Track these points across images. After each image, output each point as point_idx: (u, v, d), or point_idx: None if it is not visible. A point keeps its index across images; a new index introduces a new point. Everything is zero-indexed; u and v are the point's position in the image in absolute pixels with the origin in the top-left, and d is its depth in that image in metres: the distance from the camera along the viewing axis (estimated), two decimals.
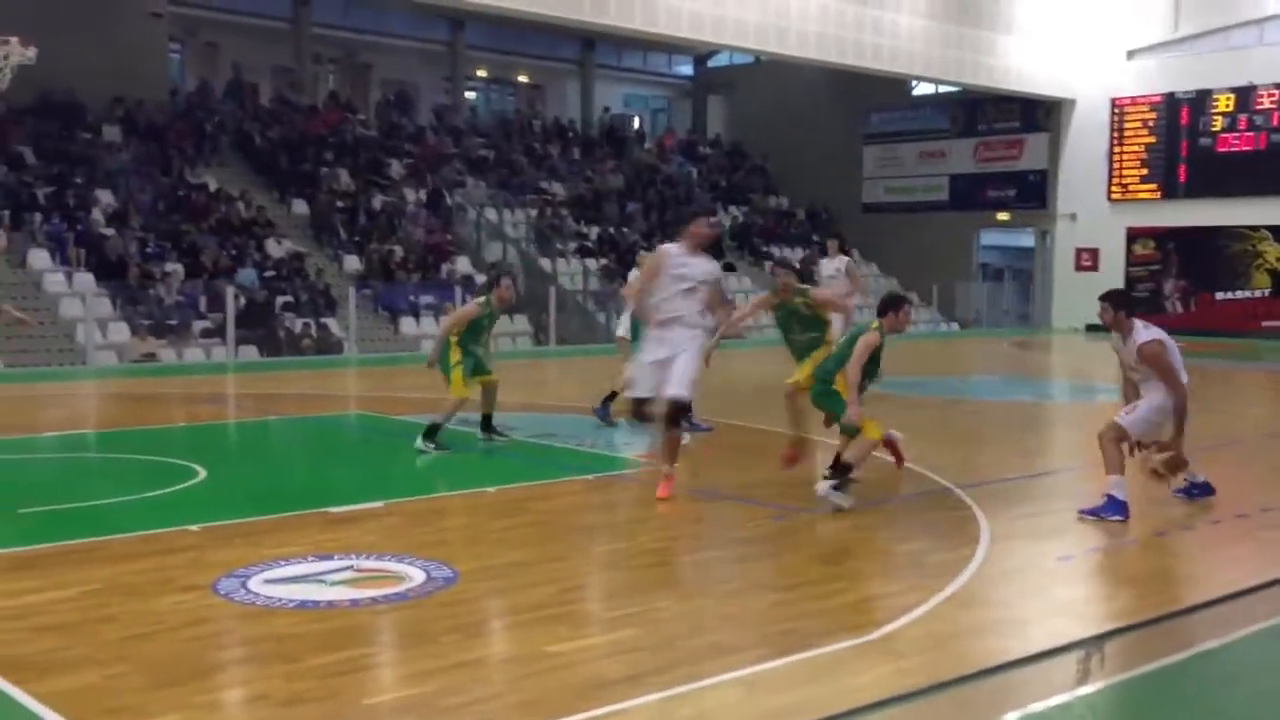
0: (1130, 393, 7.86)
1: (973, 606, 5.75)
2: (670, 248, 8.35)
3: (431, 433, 9.98)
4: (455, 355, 10.05)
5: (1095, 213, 31.09)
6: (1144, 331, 7.49)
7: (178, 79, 29.94)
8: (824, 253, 14.35)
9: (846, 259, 13.45)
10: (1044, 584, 6.31)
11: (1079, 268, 31.64)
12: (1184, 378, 7.61)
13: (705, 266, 8.23)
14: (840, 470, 7.89)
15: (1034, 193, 32.36)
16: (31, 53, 9.89)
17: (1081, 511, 7.58)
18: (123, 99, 25.64)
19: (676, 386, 7.92)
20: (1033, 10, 28.85)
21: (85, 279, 20.27)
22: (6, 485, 9.01)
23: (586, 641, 5.14)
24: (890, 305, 8.22)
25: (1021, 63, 28.92)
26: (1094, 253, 31.33)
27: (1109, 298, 7.55)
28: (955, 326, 32.65)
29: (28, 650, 4.88)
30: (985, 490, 8.55)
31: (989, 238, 34.57)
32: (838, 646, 5.06)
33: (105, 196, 23.01)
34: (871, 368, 8.16)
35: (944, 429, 12.54)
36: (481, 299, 10.46)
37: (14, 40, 9.63)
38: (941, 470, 9.24)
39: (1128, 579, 6.53)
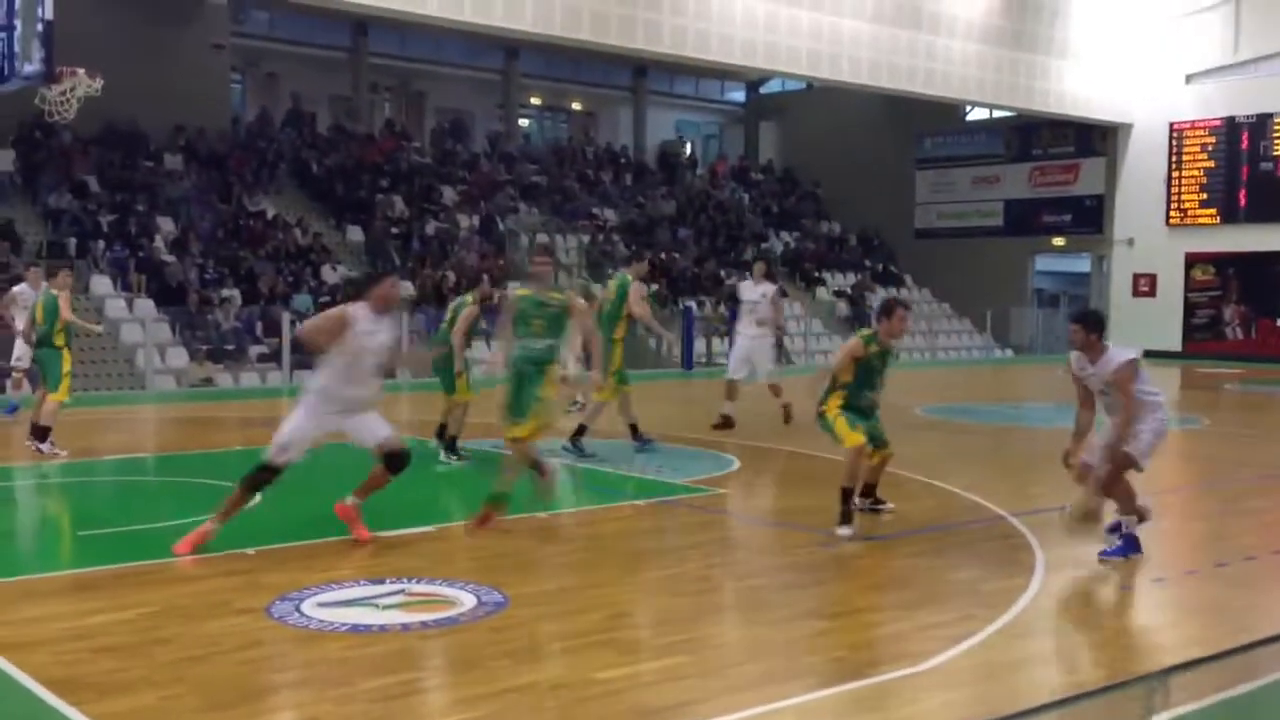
0: (1085, 418, 7.63)
1: (1027, 637, 5.68)
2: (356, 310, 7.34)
3: (452, 446, 10.63)
4: (459, 363, 10.75)
5: (1153, 238, 30.68)
6: (1119, 353, 7.33)
7: (238, 108, 30.54)
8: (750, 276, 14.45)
9: (774, 286, 13.52)
10: (1101, 615, 6.22)
11: (1136, 293, 31.21)
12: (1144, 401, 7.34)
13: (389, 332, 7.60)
14: (844, 497, 7.72)
15: (1090, 218, 32.01)
16: (98, 84, 10.14)
17: (1102, 555, 7.22)
18: (184, 128, 26.17)
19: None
20: (1088, 34, 28.61)
21: (146, 305, 20.66)
22: (68, 508, 9.20)
23: (636, 668, 5.13)
24: (883, 312, 8.10)
25: (1077, 87, 28.66)
26: (1152, 278, 30.89)
27: (1083, 319, 7.42)
28: (1009, 353, 32.31)
29: (87, 671, 4.97)
30: (1039, 518, 8.43)
31: (1044, 263, 34.22)
32: (888, 676, 5.01)
33: (166, 224, 23.47)
34: (871, 378, 7.94)
35: (997, 456, 12.40)
36: (469, 298, 11.02)
37: (81, 72, 9.88)
38: (994, 498, 9.13)
39: (1189, 610, 6.41)
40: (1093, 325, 7.36)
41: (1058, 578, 6.77)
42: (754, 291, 13.18)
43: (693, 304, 26.63)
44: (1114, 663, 5.31)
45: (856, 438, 7.71)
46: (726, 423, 13.14)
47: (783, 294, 15.13)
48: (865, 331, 8.11)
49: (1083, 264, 33.44)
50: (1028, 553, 7.34)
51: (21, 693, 4.70)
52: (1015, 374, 26.15)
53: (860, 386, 7.90)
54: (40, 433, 10.83)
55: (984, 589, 6.48)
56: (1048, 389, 22.22)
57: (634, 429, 11.56)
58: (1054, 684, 5.07)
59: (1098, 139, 31.50)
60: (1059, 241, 32.75)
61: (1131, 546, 7.22)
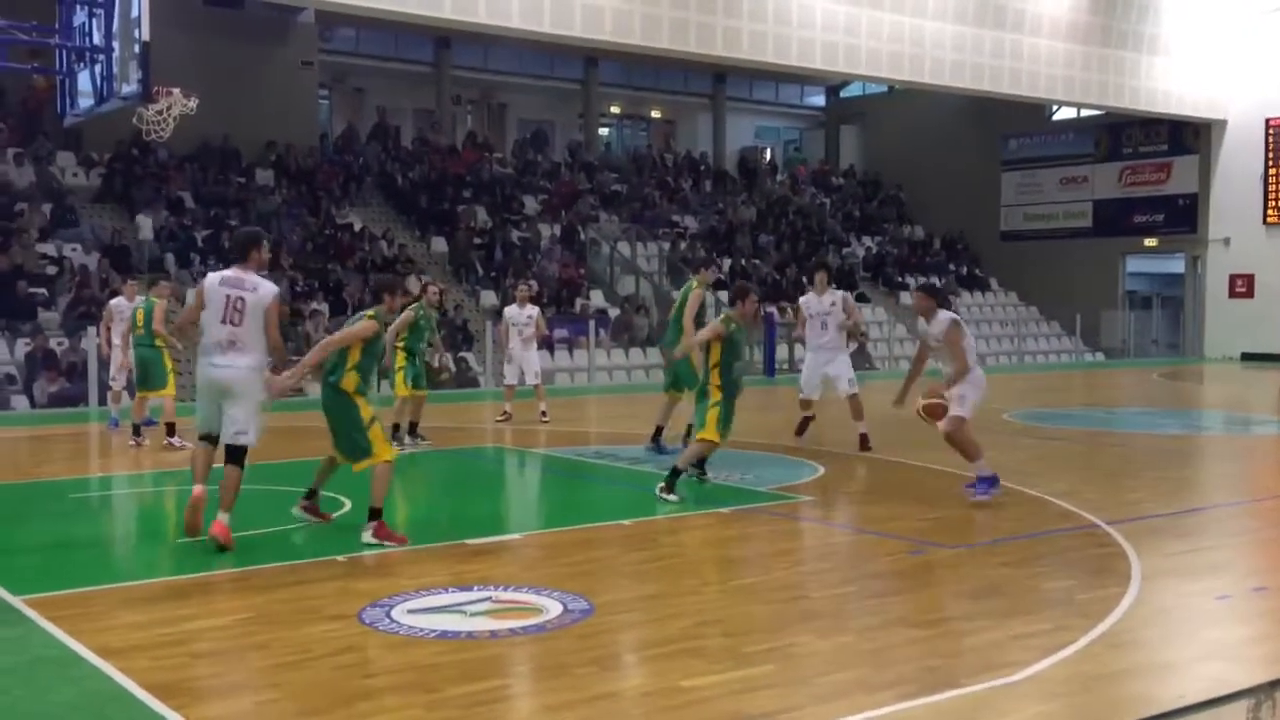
0: (918, 367, 9.70)
1: (1124, 648, 5.54)
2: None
3: (394, 431, 11.70)
4: (400, 360, 11.98)
5: (1250, 237, 29.82)
6: (945, 314, 9.12)
7: (326, 124, 31.16)
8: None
9: (841, 292, 12.89)
10: (1200, 625, 6.04)
11: (1233, 294, 30.37)
12: (971, 357, 9.04)
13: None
14: (675, 473, 9.10)
15: (1183, 217, 31.22)
16: (193, 103, 10.42)
17: (970, 492, 8.84)
18: (275, 144, 26.78)
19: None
20: (1179, 29, 27.94)
21: None
22: (164, 517, 9.44)
23: (722, 676, 5.11)
24: (737, 296, 9.55)
25: (1168, 84, 28.00)
26: (1249, 279, 30.02)
27: (925, 289, 9.43)
28: (1100, 356, 31.61)
29: (186, 676, 5.09)
30: (1135, 526, 8.24)
31: (1135, 264, 33.44)
32: (982, 686, 4.92)
33: None
34: (737, 350, 9.30)
35: (1090, 463, 12.14)
36: (414, 304, 12.14)
37: (176, 91, 10.17)
38: (1088, 505, 8.95)
39: None
40: (932, 293, 9.34)
41: (1155, 587, 6.60)
42: (822, 303, 12.53)
43: (774, 310, 26.49)
44: (1217, 674, 5.15)
45: (713, 436, 9.14)
46: (805, 426, 12.94)
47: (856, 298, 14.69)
48: (726, 313, 9.50)
49: (1176, 265, 32.61)
50: (1123, 561, 7.16)
51: (124, 697, 4.83)
52: (1107, 378, 25.58)
53: (730, 358, 9.21)
54: (169, 428, 12.21)
55: (1079, 598, 6.34)
56: (1141, 393, 21.71)
57: (659, 430, 12.10)
58: (1154, 697, 4.94)
59: (1190, 136, 30.72)
60: (1151, 242, 31.99)
61: (990, 483, 8.87)
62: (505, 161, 31.44)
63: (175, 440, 12.11)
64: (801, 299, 12.94)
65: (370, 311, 7.99)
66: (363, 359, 7.78)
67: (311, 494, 8.26)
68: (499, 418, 14.97)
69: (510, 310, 15.44)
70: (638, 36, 19.95)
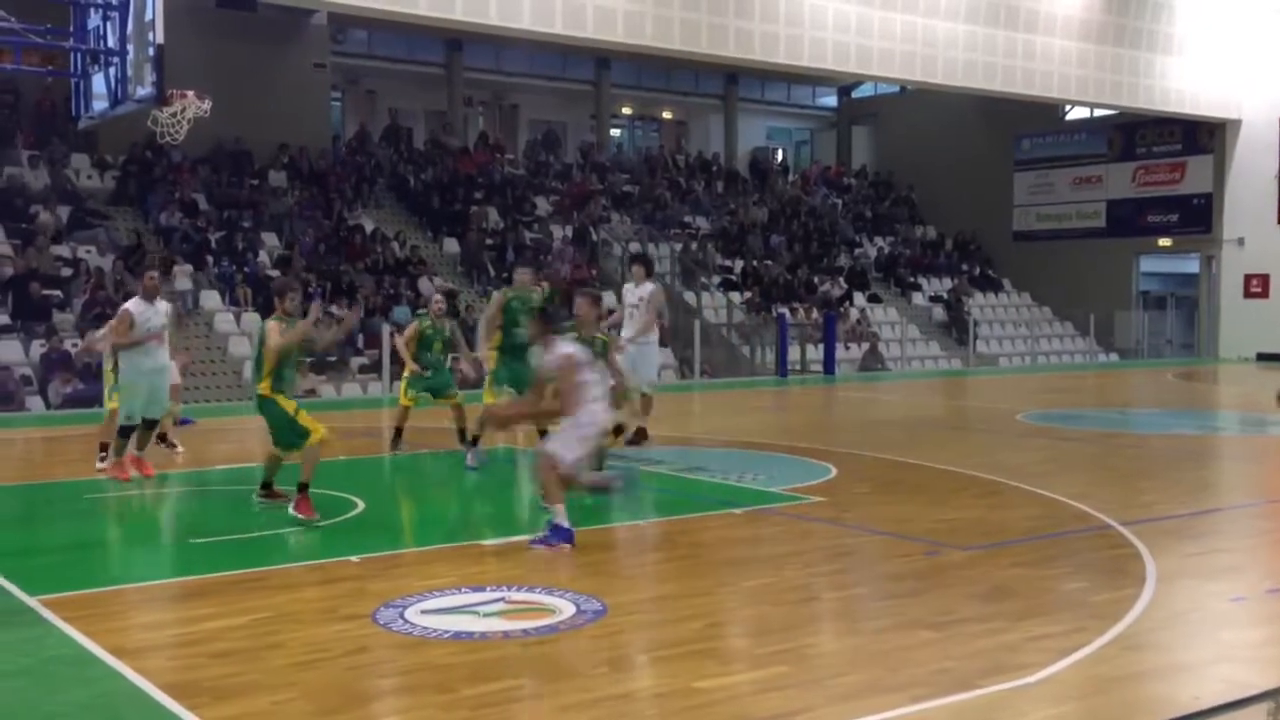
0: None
1: (1140, 650, 5.52)
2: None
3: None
4: (409, 369, 11.99)
5: (1265, 237, 29.68)
6: (561, 347, 7.80)
7: (338, 125, 31.24)
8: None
9: (654, 286, 12.53)
10: (1216, 627, 6.02)
11: (1248, 294, 30.22)
12: (582, 394, 7.68)
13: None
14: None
15: (1198, 217, 31.10)
16: (206, 105, 10.45)
17: (531, 543, 7.55)
18: (287, 146, 26.85)
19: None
20: (1194, 30, 27.82)
21: (252, 318, 21.19)
22: (180, 517, 9.47)
23: (735, 678, 5.11)
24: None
25: (1183, 83, 27.88)
26: (1264, 279, 29.88)
27: (538, 314, 8.62)
28: (1114, 357, 31.50)
29: (203, 675, 5.11)
30: (1150, 527, 8.21)
31: (1149, 264, 33.31)
32: (997, 688, 4.91)
33: (271, 239, 24.09)
34: (517, 318, 9.72)
35: (1104, 464, 12.10)
36: (419, 316, 12.33)
37: (190, 94, 10.20)
38: (1102, 506, 8.92)
39: None
40: (545, 319, 8.25)
41: (1170, 588, 6.58)
42: (634, 294, 12.23)
43: (785, 311, 26.47)
44: (1233, 677, 5.13)
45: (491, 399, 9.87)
46: (641, 435, 12.18)
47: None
48: (507, 291, 10.07)
49: (1191, 265, 32.48)
50: (1138, 562, 7.14)
51: (140, 697, 4.85)
52: (1121, 379, 25.49)
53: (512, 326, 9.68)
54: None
55: (1094, 600, 6.33)
56: (1155, 394, 21.63)
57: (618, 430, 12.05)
58: (1170, 699, 4.92)
59: (1204, 136, 30.59)
60: (1165, 242, 31.87)
61: (562, 536, 7.47)
62: (517, 162, 31.47)
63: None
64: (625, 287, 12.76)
65: (271, 318, 8.70)
66: (277, 364, 8.46)
67: (266, 485, 8.92)
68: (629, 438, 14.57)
69: (626, 289, 14.94)
70: (649, 38, 19.96)
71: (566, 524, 7.50)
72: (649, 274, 12.62)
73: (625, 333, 12.08)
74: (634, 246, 28.31)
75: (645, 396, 12.25)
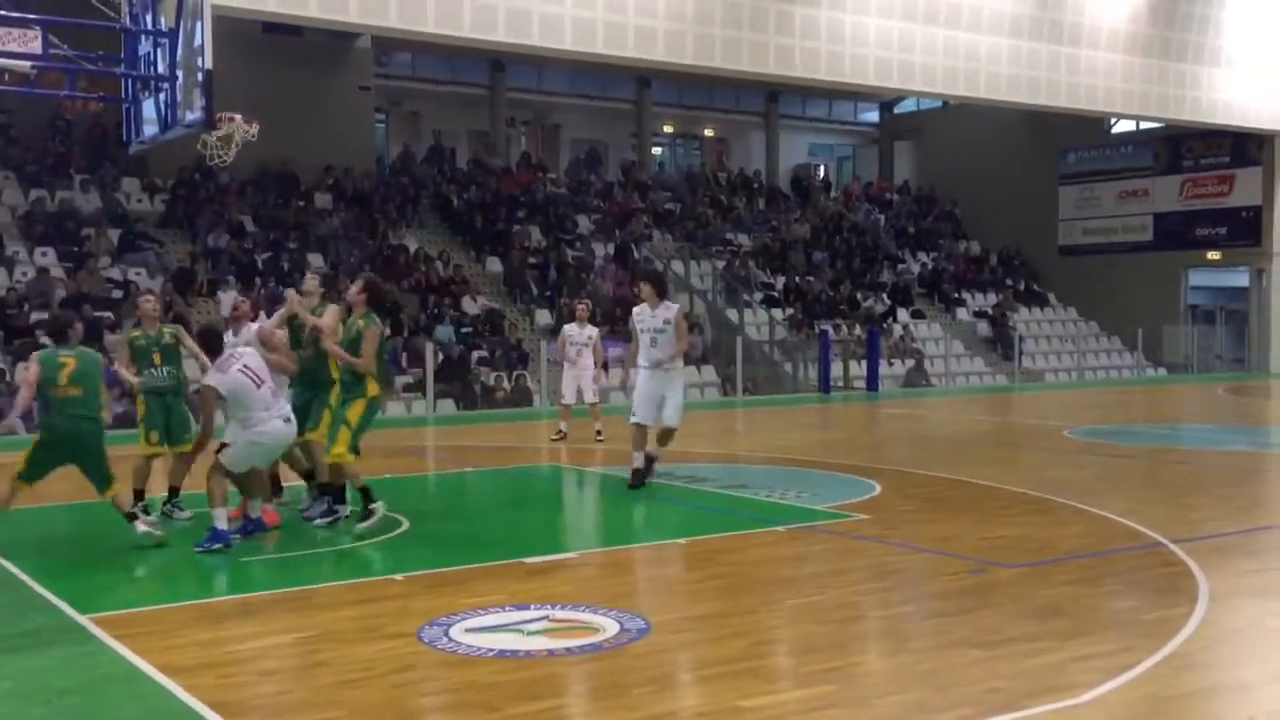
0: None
1: (1193, 670, 5.43)
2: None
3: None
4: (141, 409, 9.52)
5: None
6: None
7: (382, 147, 31.58)
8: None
9: (676, 305, 11.09)
10: (1271, 646, 5.92)
11: None
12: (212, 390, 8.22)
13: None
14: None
15: (1247, 230, 30.66)
16: (254, 129, 10.59)
17: (195, 548, 8.01)
18: (333, 167, 27.17)
19: None
20: (1241, 40, 27.48)
21: None
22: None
23: (780, 697, 5.08)
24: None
25: (1230, 95, 27.53)
26: None
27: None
28: (1162, 372, 31.08)
29: (252, 694, 5.16)
30: (1201, 545, 8.08)
31: (1198, 278, 32.86)
32: (1047, 708, 4.85)
33: (316, 260, 24.35)
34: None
35: (1154, 480, 11.93)
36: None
37: (238, 118, 10.35)
38: (1152, 523, 8.79)
39: None
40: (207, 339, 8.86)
41: (1223, 607, 6.47)
42: (655, 318, 10.74)
43: (829, 327, 26.37)
44: None
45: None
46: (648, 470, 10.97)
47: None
48: (373, 321, 8.83)
49: (1240, 278, 32.01)
50: (1190, 580, 7.03)
51: (190, 715, 4.90)
52: (1169, 394, 25.14)
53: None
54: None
55: (1144, 618, 6.24)
56: (1205, 409, 21.31)
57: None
58: (1224, 719, 4.84)
59: (1254, 148, 30.19)
60: (1214, 255, 31.44)
61: (219, 538, 8.04)
62: (559, 181, 31.63)
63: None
64: (635, 310, 11.11)
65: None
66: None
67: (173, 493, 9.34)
68: (554, 436, 14.99)
69: (570, 329, 15.40)
70: (690, 56, 20.01)
71: (223, 526, 8.11)
72: (663, 293, 10.95)
73: (644, 360, 10.69)
74: (676, 265, 28.35)
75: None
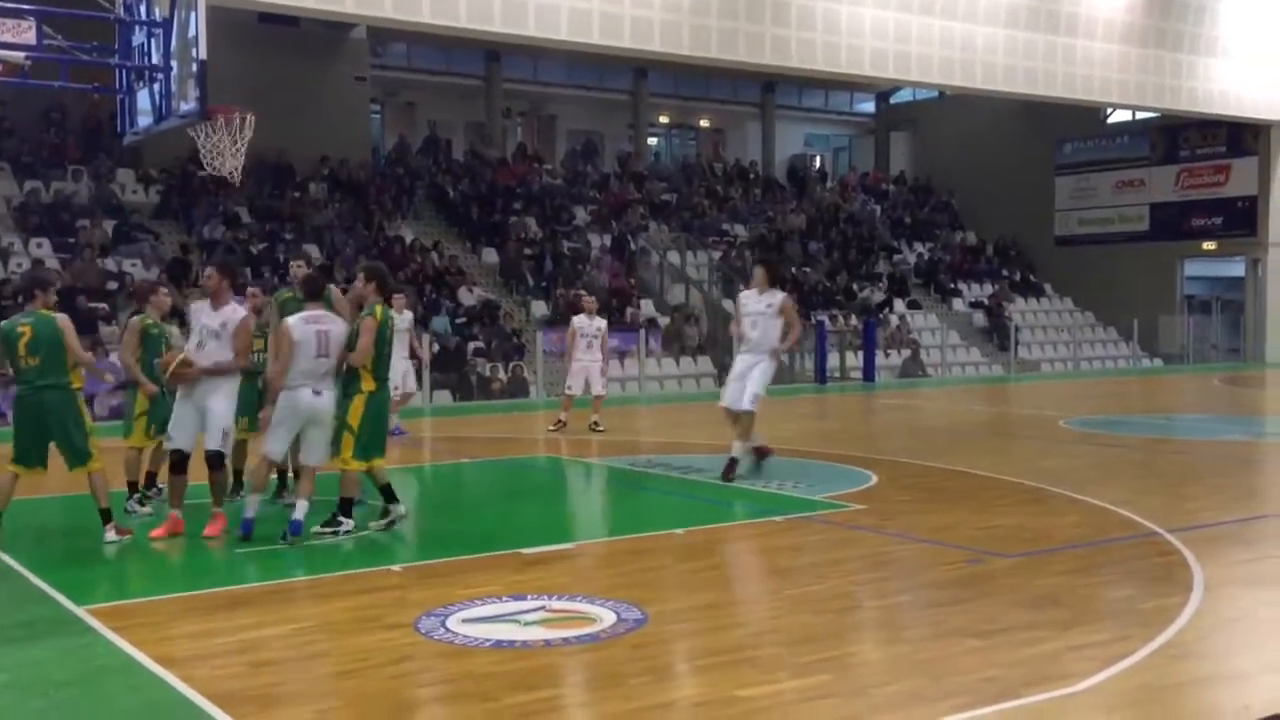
0: None
1: (1188, 659, 5.45)
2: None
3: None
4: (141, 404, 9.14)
5: None
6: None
7: (378, 137, 31.51)
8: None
9: (783, 293, 10.91)
10: (1266, 635, 5.93)
11: None
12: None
13: None
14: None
15: (1243, 220, 30.68)
16: (248, 130, 10.58)
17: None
18: (328, 158, 27.11)
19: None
20: (1237, 29, 27.47)
21: None
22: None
23: (778, 686, 5.09)
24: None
25: (1227, 85, 27.52)
26: None
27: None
28: (1158, 362, 31.13)
29: (248, 685, 5.16)
30: (1197, 534, 8.10)
31: (1194, 268, 32.90)
32: (1042, 697, 4.87)
33: (312, 251, 24.30)
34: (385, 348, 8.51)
35: (1149, 470, 11.96)
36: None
37: (236, 116, 10.34)
38: (1147, 513, 8.81)
39: None
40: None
41: (1218, 596, 6.49)
42: (759, 301, 10.67)
43: (825, 318, 26.38)
44: None
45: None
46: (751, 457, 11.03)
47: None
48: (370, 312, 8.32)
49: (1236, 268, 32.04)
50: (1185, 570, 7.05)
51: (187, 706, 4.90)
52: (1165, 384, 25.17)
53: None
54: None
55: (1140, 607, 6.25)
56: (1201, 399, 21.35)
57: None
58: (1219, 709, 4.86)
59: (1249, 138, 30.19)
60: (1210, 245, 31.46)
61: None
62: (555, 172, 31.59)
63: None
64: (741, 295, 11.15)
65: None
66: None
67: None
68: (552, 427, 14.97)
69: (580, 320, 15.29)
70: (686, 47, 19.98)
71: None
72: (775, 279, 10.92)
73: (743, 344, 10.68)
74: (672, 255, 28.34)
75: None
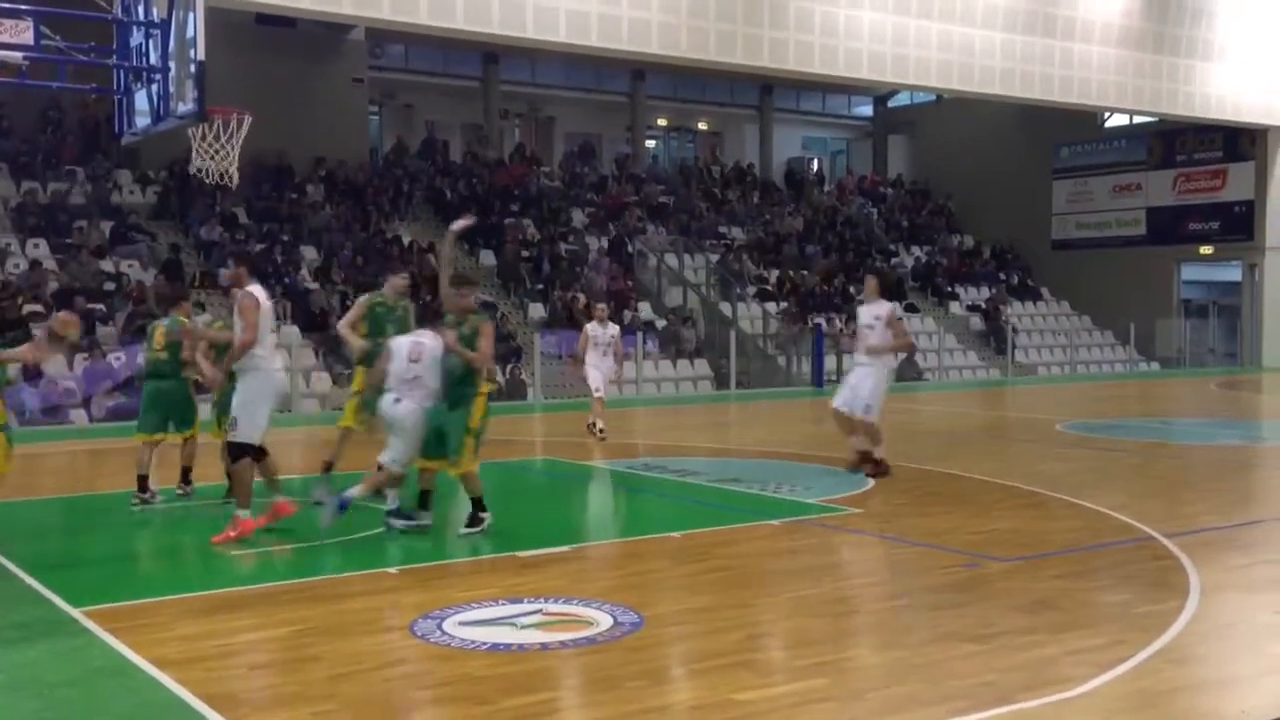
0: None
1: (1184, 663, 5.45)
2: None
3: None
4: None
5: None
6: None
7: (376, 139, 31.50)
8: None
9: (890, 304, 11.52)
10: (1263, 639, 5.93)
11: None
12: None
13: None
14: None
15: (1239, 224, 30.73)
16: (241, 134, 10.57)
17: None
18: (325, 159, 27.10)
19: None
20: (1234, 34, 27.52)
21: (291, 331, 21.38)
22: (220, 528, 9.53)
23: (774, 690, 5.09)
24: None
25: (1223, 90, 27.57)
26: None
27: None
28: (1155, 366, 31.15)
29: (244, 687, 5.15)
30: (1193, 539, 8.11)
31: (1191, 272, 32.94)
32: (1038, 702, 4.86)
33: (309, 252, 24.30)
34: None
35: (1146, 474, 11.96)
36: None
37: (234, 117, 10.32)
38: (1144, 518, 8.81)
39: None
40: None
41: (1214, 601, 6.49)
42: (868, 314, 11.30)
43: (821, 321, 26.39)
44: (1277, 692, 5.05)
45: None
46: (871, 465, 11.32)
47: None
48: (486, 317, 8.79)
49: (1233, 273, 32.09)
50: (1180, 575, 7.05)
51: (182, 708, 4.89)
52: (1162, 388, 25.20)
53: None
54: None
55: (1136, 612, 6.25)
56: (1198, 404, 21.36)
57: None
58: (1216, 713, 4.86)
59: (1246, 143, 30.25)
60: (1206, 250, 31.51)
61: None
62: (553, 174, 31.58)
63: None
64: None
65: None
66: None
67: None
68: (598, 432, 14.45)
69: (592, 327, 15.18)
70: (684, 49, 19.99)
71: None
72: (883, 291, 11.65)
73: (860, 354, 11.19)
74: (670, 258, 28.34)
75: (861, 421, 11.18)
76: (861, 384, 11.00)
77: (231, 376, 8.62)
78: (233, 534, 8.11)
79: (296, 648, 5.74)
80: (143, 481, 9.62)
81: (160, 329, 9.72)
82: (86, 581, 7.27)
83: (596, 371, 14.94)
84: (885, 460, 11.12)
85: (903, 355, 11.98)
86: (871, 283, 11.61)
